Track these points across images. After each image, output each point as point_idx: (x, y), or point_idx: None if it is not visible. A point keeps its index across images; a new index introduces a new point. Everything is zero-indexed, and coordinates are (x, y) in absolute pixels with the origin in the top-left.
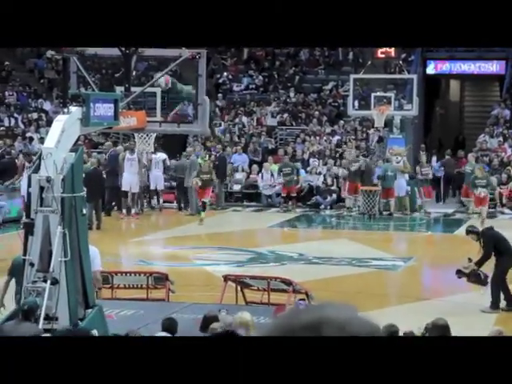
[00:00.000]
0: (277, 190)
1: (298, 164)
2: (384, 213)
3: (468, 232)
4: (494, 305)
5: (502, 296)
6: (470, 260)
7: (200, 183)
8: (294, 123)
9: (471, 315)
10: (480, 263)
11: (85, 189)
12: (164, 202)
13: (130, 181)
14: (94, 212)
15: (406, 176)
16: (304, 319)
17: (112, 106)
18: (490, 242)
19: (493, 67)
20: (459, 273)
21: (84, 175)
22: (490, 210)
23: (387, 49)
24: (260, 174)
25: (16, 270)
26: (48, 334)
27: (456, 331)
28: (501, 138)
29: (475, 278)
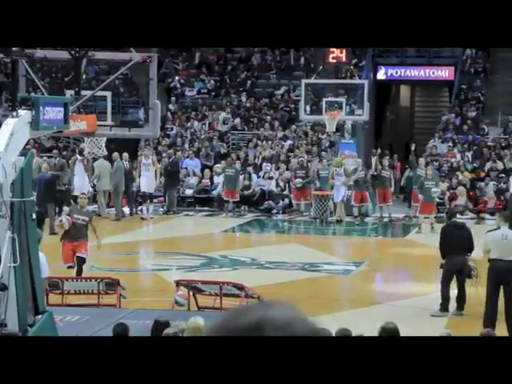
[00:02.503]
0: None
1: (250, 168)
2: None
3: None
4: (443, 307)
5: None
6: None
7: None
8: (245, 128)
9: (421, 319)
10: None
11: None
12: (108, 206)
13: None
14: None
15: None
16: (247, 319)
17: (62, 109)
18: (441, 237)
19: (442, 73)
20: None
21: (34, 180)
22: (440, 214)
23: (338, 53)
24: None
25: None
26: None
27: (406, 335)
28: (450, 144)
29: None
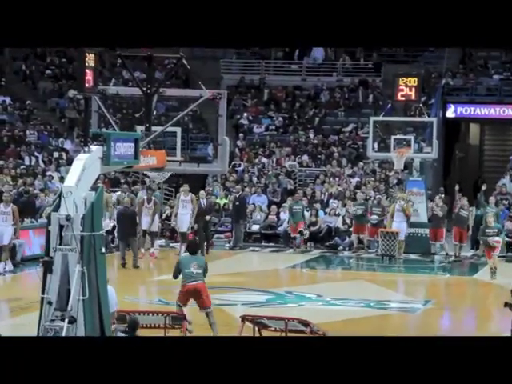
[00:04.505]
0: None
1: (317, 205)
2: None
3: None
4: None
5: None
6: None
7: None
8: (313, 164)
9: None
10: None
11: (102, 228)
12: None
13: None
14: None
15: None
16: None
17: (132, 145)
18: None
19: None
20: (508, 305)
21: (116, 214)
22: (509, 253)
23: (408, 91)
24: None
25: None
26: None
27: None
28: None
29: None
